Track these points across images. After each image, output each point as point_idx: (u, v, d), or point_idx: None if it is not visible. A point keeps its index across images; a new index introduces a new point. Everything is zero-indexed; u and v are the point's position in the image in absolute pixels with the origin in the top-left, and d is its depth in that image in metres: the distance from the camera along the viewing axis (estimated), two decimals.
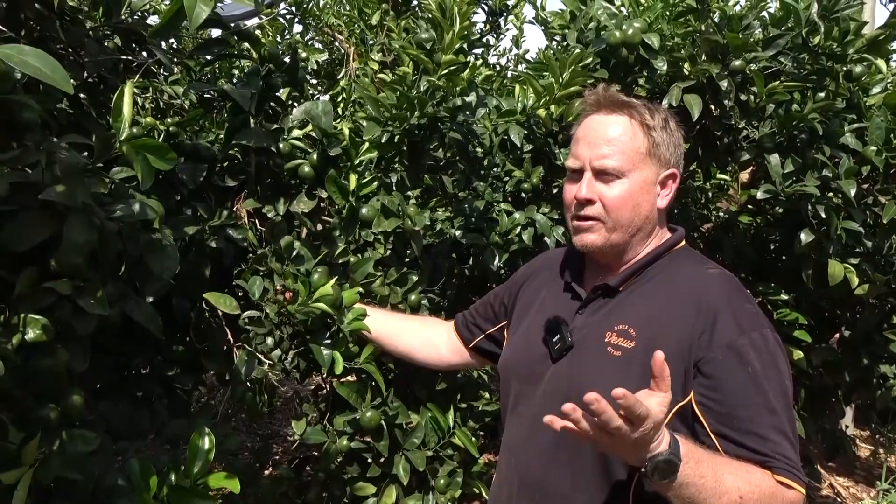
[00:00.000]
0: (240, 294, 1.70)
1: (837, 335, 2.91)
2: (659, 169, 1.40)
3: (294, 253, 1.71)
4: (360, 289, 1.81)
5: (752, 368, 1.23)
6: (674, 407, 1.24)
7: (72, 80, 0.92)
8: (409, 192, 2.11)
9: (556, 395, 1.37)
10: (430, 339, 1.84)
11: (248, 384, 1.69)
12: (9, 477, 1.01)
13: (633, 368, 1.29)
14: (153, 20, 2.92)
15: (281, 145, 1.79)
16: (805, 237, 2.36)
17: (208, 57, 1.76)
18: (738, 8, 2.40)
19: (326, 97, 1.86)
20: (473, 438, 2.00)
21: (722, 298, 1.31)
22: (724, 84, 2.20)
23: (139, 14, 1.73)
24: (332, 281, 1.66)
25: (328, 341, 1.68)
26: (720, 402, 1.23)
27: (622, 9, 2.43)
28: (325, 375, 2.01)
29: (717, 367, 1.24)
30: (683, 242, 1.48)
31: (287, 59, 1.83)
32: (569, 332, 1.40)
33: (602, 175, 1.37)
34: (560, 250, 1.68)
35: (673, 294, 1.35)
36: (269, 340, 1.66)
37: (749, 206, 2.96)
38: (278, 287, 1.64)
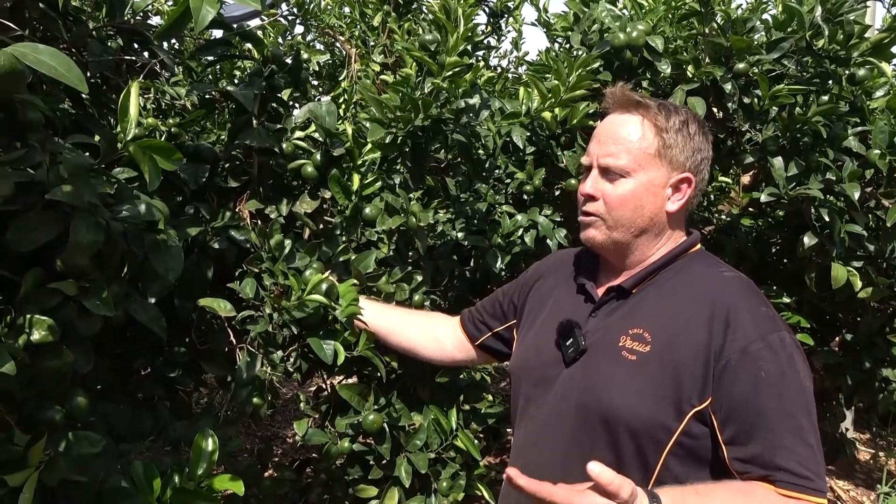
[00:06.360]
0: (242, 302, 1.69)
1: (839, 338, 2.91)
2: (670, 172, 1.38)
3: (286, 251, 1.70)
4: (356, 280, 1.79)
5: (767, 372, 1.21)
6: (690, 411, 1.24)
7: None
8: (412, 194, 2.11)
9: (568, 399, 1.37)
10: (435, 334, 1.82)
11: (252, 385, 1.67)
12: (15, 479, 1.00)
13: (649, 373, 1.27)
14: (156, 21, 2.92)
15: (284, 146, 1.78)
16: (808, 240, 2.36)
17: (210, 58, 1.75)
18: (740, 11, 2.40)
19: (327, 98, 1.85)
20: (476, 441, 2.00)
21: (737, 302, 1.29)
22: (727, 87, 2.20)
23: (142, 14, 1.73)
24: (327, 274, 1.64)
25: (324, 332, 1.65)
26: (732, 408, 1.22)
27: (624, 11, 2.43)
28: (326, 377, 2.01)
29: (731, 372, 1.22)
30: (699, 246, 1.46)
31: (289, 60, 1.83)
32: (582, 336, 1.38)
33: (607, 173, 1.38)
34: (572, 251, 1.66)
35: (688, 297, 1.33)
36: (269, 340, 1.64)
37: (751, 209, 2.96)
38: (270, 285, 1.63)
